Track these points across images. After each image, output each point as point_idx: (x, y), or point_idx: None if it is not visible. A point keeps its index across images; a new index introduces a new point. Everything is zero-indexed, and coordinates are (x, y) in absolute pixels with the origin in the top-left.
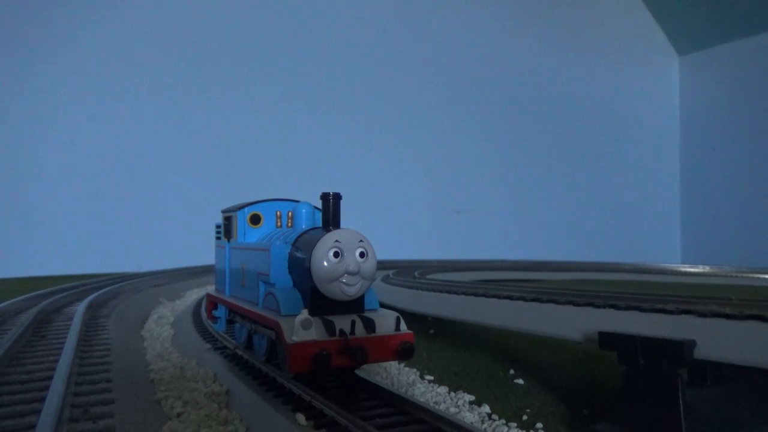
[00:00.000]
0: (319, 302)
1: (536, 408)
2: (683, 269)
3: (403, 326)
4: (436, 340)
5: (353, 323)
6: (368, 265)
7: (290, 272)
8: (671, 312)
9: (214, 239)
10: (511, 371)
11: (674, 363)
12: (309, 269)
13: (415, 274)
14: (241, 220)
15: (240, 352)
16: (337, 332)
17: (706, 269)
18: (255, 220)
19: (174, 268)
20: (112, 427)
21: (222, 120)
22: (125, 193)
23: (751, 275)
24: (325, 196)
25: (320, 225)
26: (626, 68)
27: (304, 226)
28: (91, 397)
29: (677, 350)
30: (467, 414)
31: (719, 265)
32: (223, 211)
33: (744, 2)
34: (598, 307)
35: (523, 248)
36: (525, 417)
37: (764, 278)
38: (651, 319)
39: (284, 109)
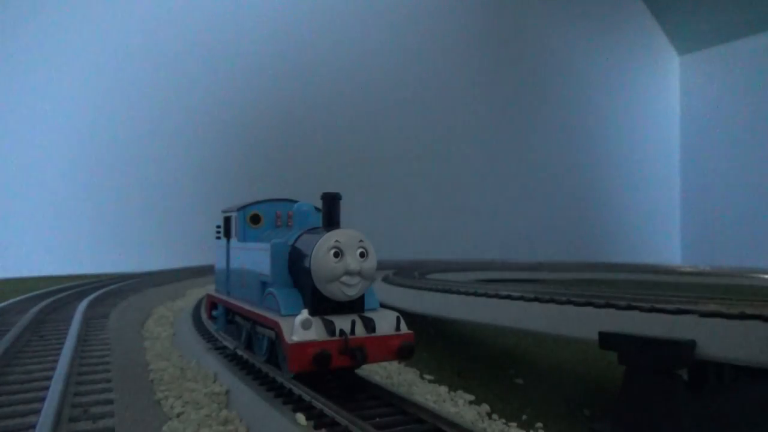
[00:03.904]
0: (319, 302)
1: (536, 408)
2: (683, 269)
3: (403, 326)
4: (436, 340)
5: (353, 323)
6: (368, 265)
7: (290, 272)
8: (671, 312)
9: (214, 239)
10: (511, 371)
11: (674, 363)
12: (309, 269)
13: (415, 274)
14: (241, 220)
15: (240, 352)
16: (337, 332)
17: (706, 269)
18: (255, 220)
19: (174, 268)
20: (112, 427)
21: (222, 120)
22: (125, 194)
23: (751, 275)
24: (325, 196)
25: (320, 225)
26: (626, 68)
27: (304, 226)
28: (91, 397)
29: (677, 350)
30: (467, 413)
31: (719, 265)
32: (223, 211)
33: (744, 2)
34: (598, 307)
35: (523, 248)
36: (525, 417)
37: (764, 278)
38: (651, 319)
39: (284, 109)
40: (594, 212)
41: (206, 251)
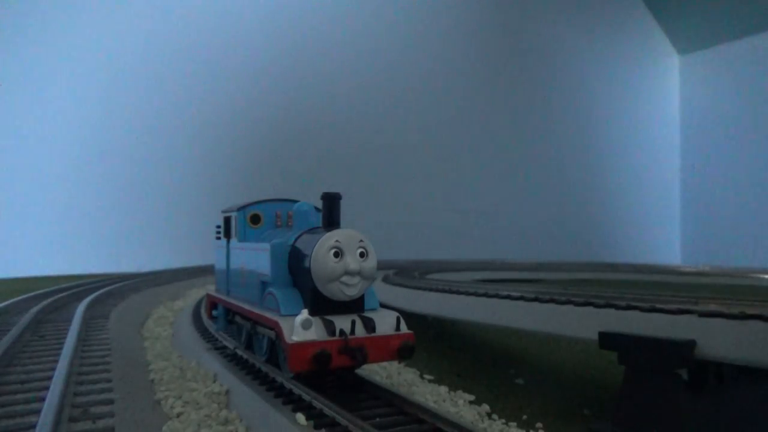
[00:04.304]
0: (319, 302)
1: (536, 408)
2: (683, 269)
3: (403, 326)
4: (436, 340)
5: (353, 323)
6: (368, 265)
7: (290, 272)
8: (671, 312)
9: (214, 239)
10: (511, 371)
11: (674, 363)
12: (309, 269)
13: (415, 274)
14: (241, 220)
15: (240, 352)
16: (337, 332)
17: (706, 269)
18: (255, 220)
19: (174, 268)
20: (112, 427)
21: (222, 120)
22: (125, 194)
23: (751, 275)
24: (325, 196)
25: (320, 225)
26: (626, 68)
27: (304, 226)
28: (91, 397)
29: (677, 350)
30: (467, 413)
31: (719, 265)
32: (223, 211)
33: (744, 2)
34: (598, 307)
35: (523, 248)
36: (525, 417)
37: (764, 278)
38: (651, 319)
39: (285, 109)
40: (594, 212)
41: (206, 251)
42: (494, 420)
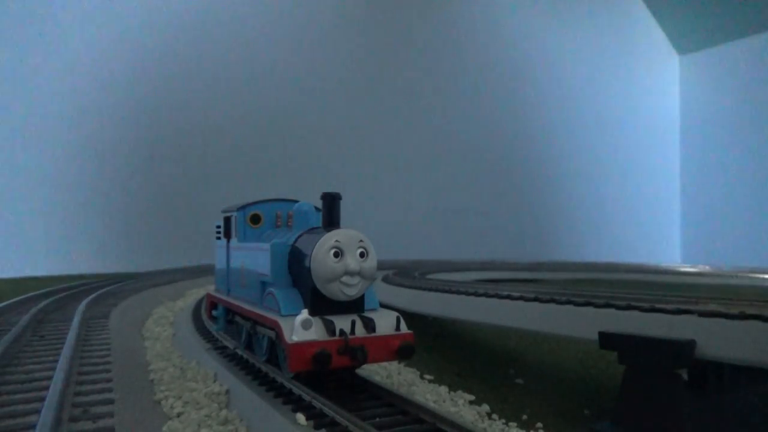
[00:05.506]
0: (319, 302)
1: (536, 408)
2: (683, 269)
3: (403, 326)
4: (436, 340)
5: (353, 323)
6: (368, 265)
7: (290, 272)
8: (671, 312)
9: (214, 239)
10: (511, 371)
11: (674, 363)
12: (309, 269)
13: (415, 274)
14: (241, 220)
15: (240, 352)
16: (337, 332)
17: (706, 269)
18: (255, 220)
19: (174, 267)
20: (112, 427)
21: (222, 120)
22: (125, 194)
23: (751, 275)
24: (325, 196)
25: (320, 225)
26: (626, 68)
27: (304, 226)
28: (91, 396)
29: (677, 350)
30: (467, 413)
31: (719, 265)
32: (223, 211)
33: (744, 2)
34: (598, 307)
35: (523, 248)
36: (525, 417)
37: (764, 278)
38: (651, 319)
39: (285, 110)
40: (594, 212)
41: (206, 251)
42: (494, 420)
